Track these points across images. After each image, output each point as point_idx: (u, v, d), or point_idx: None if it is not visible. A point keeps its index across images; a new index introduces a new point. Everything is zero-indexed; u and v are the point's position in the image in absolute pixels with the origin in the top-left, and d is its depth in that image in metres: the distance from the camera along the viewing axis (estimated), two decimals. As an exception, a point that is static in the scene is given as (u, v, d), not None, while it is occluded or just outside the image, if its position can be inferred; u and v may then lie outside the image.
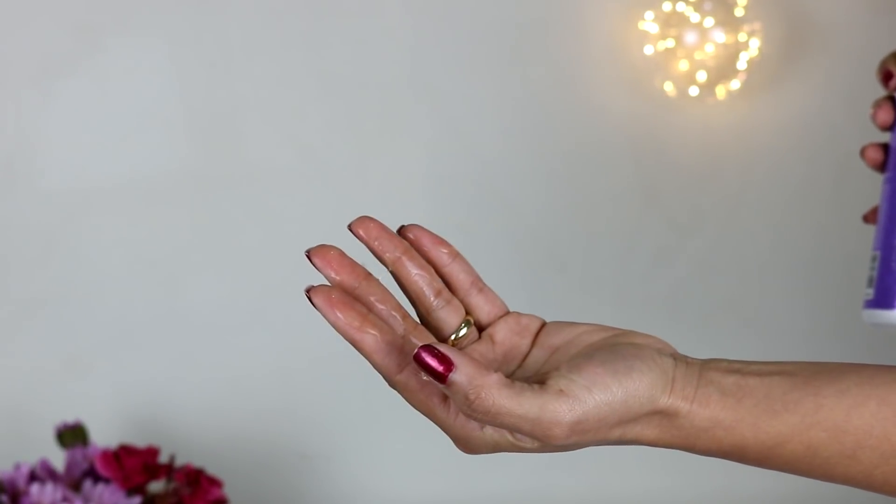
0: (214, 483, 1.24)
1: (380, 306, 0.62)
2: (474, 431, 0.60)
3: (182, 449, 1.38)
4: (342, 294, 0.60)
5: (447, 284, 0.64)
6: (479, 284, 0.65)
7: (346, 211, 1.63)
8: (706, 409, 0.59)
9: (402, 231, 0.63)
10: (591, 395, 0.57)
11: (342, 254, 0.62)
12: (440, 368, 0.56)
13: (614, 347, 0.60)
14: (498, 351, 0.64)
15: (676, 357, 0.61)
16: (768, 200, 1.59)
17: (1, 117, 1.50)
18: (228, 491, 1.31)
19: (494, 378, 0.56)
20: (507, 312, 0.65)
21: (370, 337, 0.59)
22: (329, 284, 0.61)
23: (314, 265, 0.62)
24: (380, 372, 0.61)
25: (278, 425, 1.55)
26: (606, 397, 0.57)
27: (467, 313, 0.64)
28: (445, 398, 0.60)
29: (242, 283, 1.54)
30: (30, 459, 1.23)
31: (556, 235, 1.58)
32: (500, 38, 1.55)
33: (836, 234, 1.57)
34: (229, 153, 1.53)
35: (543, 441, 0.58)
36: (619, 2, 1.54)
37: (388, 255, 0.63)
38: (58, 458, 1.26)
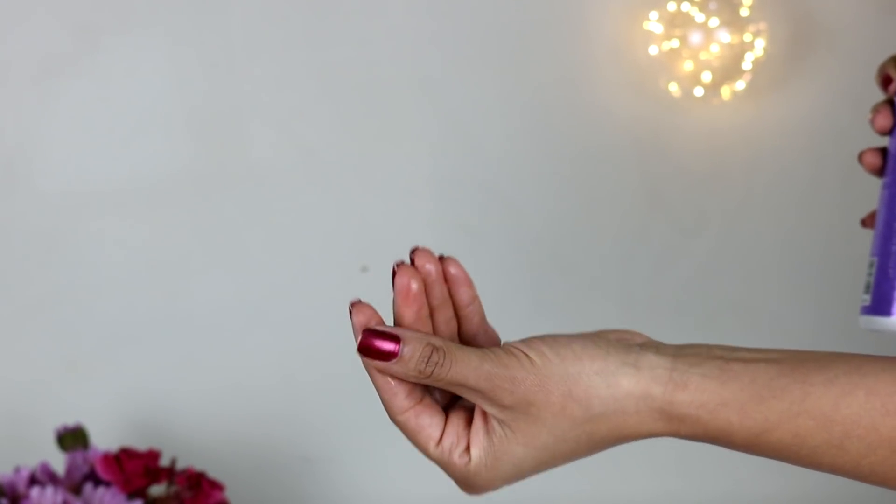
0: (216, 486, 1.24)
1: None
2: (466, 465, 0.61)
3: (183, 452, 1.37)
4: (379, 327, 0.61)
5: (461, 324, 0.65)
6: (486, 326, 0.66)
7: (349, 212, 1.63)
8: (685, 393, 0.58)
9: (443, 263, 0.64)
10: (558, 356, 0.58)
11: (420, 285, 0.62)
12: (388, 348, 0.59)
13: (581, 333, 0.61)
14: None
15: (645, 344, 0.61)
16: (774, 202, 1.58)
17: (0, 118, 1.49)
18: (230, 494, 1.30)
19: (446, 339, 0.59)
20: (502, 345, 0.65)
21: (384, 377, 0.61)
22: (373, 309, 0.62)
23: (395, 285, 0.62)
24: (385, 407, 0.62)
25: (280, 428, 1.54)
26: (576, 366, 0.58)
27: None
28: (439, 440, 0.61)
29: (244, 285, 1.53)
30: (30, 463, 1.23)
31: (561, 237, 1.57)
32: (504, 38, 1.54)
33: (842, 235, 1.57)
34: (231, 154, 1.53)
35: (495, 401, 0.58)
36: (624, 2, 1.54)
37: (433, 299, 0.64)
38: (58, 462, 1.25)
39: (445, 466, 0.62)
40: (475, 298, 0.64)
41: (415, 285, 0.61)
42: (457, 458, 0.61)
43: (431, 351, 0.59)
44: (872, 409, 0.58)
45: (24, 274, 1.51)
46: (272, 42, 1.52)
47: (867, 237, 1.60)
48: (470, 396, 0.60)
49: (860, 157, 0.73)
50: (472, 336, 0.65)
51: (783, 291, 1.59)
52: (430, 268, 0.62)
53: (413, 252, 0.62)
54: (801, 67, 1.56)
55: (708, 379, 0.59)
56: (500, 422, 0.60)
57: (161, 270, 1.52)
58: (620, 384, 0.59)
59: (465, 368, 0.59)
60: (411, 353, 0.59)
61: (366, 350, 0.59)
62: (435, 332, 0.63)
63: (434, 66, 1.54)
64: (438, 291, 0.63)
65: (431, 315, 0.63)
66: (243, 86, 1.53)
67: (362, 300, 0.62)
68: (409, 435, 0.62)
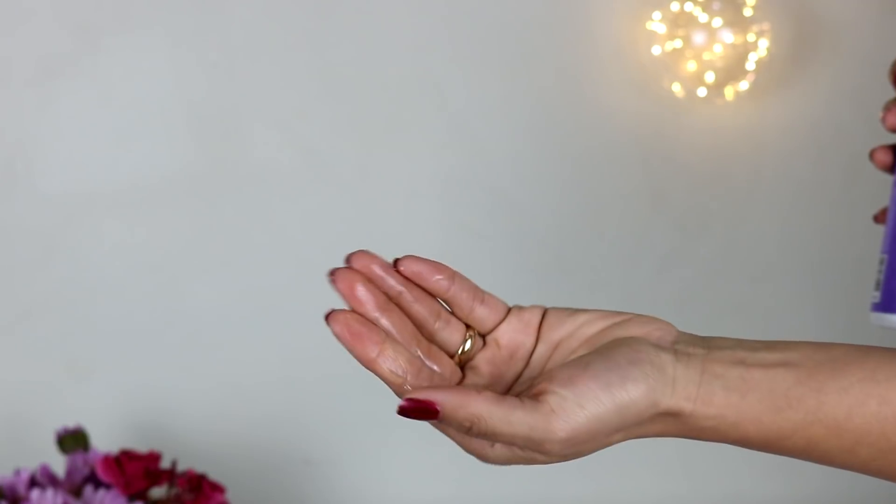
0: (217, 489, 1.23)
1: (397, 335, 0.63)
2: (485, 449, 0.61)
3: (184, 454, 1.37)
4: (360, 322, 0.61)
5: (451, 306, 0.65)
6: (480, 296, 0.66)
7: (352, 214, 1.63)
8: (710, 408, 0.60)
9: (396, 267, 0.64)
10: (582, 411, 0.58)
11: (365, 284, 0.62)
12: (429, 412, 0.58)
13: (610, 353, 0.60)
14: (504, 353, 0.66)
15: (677, 351, 0.61)
16: (777, 202, 1.58)
17: (0, 118, 1.49)
18: (231, 497, 1.30)
19: (482, 400, 0.58)
20: (509, 311, 0.66)
21: (385, 365, 0.61)
22: (347, 309, 0.62)
23: (338, 291, 0.62)
24: (396, 394, 0.62)
25: (281, 430, 1.54)
26: (598, 411, 0.58)
27: (469, 327, 0.66)
28: None
29: (246, 287, 1.53)
30: (30, 465, 1.23)
31: (564, 238, 1.57)
32: (507, 38, 1.54)
33: (846, 235, 1.56)
34: (232, 155, 1.52)
35: (539, 454, 0.59)
36: (627, 2, 1.53)
37: (388, 291, 0.64)
38: (58, 464, 1.25)
39: (466, 446, 0.63)
40: (453, 279, 0.64)
41: (359, 288, 0.62)
42: (477, 444, 0.62)
43: (470, 425, 0.58)
44: (884, 419, 0.59)
45: (24, 275, 1.50)
46: (274, 42, 1.52)
47: (871, 237, 1.60)
48: None
49: (871, 154, 0.74)
50: (468, 312, 0.65)
51: (786, 292, 1.58)
52: (371, 267, 0.63)
53: (348, 260, 0.63)
54: (804, 68, 1.56)
55: (730, 392, 0.60)
56: (540, 454, 0.61)
57: (161, 272, 1.52)
58: (658, 407, 0.60)
59: (509, 437, 0.59)
60: (449, 420, 0.59)
61: (406, 414, 0.59)
62: (407, 314, 0.63)
63: (437, 67, 1.54)
64: (391, 282, 0.63)
65: (396, 302, 0.63)
66: (244, 86, 1.52)
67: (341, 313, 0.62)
68: None
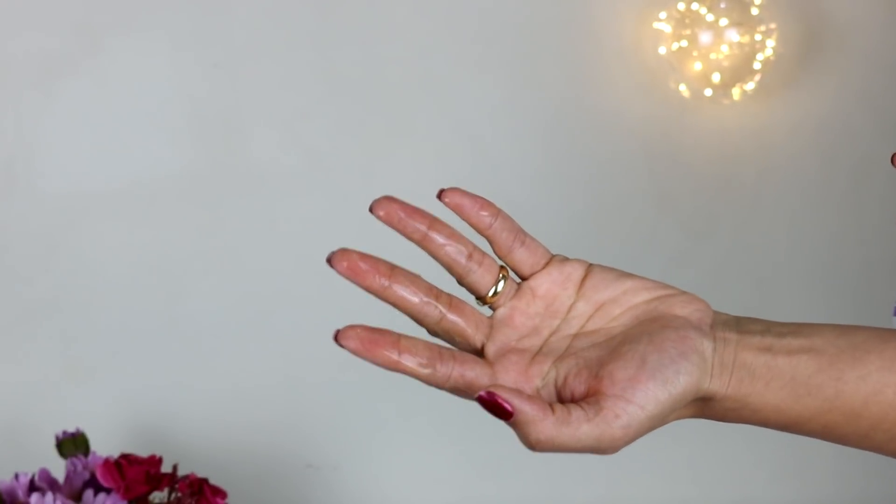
0: (219, 493, 1.22)
1: (412, 298, 0.62)
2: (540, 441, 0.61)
3: (185, 458, 1.36)
4: (370, 333, 0.60)
5: (492, 244, 0.65)
6: (522, 237, 0.65)
7: (354, 215, 1.61)
8: (737, 394, 0.61)
9: (440, 196, 0.65)
10: (643, 412, 0.59)
11: (362, 256, 0.62)
12: (504, 413, 0.57)
13: (660, 340, 0.61)
14: (539, 304, 0.65)
15: (715, 337, 0.62)
16: (784, 203, 1.57)
17: (1, 119, 1.48)
18: (233, 501, 1.29)
19: (551, 423, 0.58)
20: (551, 259, 0.66)
21: (409, 362, 0.60)
22: (352, 325, 0.60)
23: (338, 272, 0.62)
24: (428, 384, 0.61)
25: (283, 435, 1.53)
26: (657, 410, 0.59)
27: (503, 269, 0.65)
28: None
29: (247, 289, 1.52)
30: (29, 469, 1.22)
31: (568, 239, 1.56)
32: (511, 38, 1.53)
33: (853, 236, 1.56)
34: (233, 156, 1.51)
35: (599, 452, 0.60)
36: (632, 1, 1.53)
37: (413, 234, 0.64)
38: (58, 468, 1.24)
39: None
40: (497, 216, 0.65)
41: (359, 263, 0.62)
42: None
43: (536, 444, 0.58)
44: None
45: (24, 277, 1.49)
46: (275, 43, 1.51)
47: (878, 238, 1.58)
48: None
49: (893, 158, 0.74)
50: (507, 252, 0.65)
51: (793, 294, 1.58)
52: (396, 212, 0.64)
53: (371, 208, 0.64)
54: (811, 68, 1.55)
55: (756, 380, 0.61)
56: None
57: (162, 274, 1.51)
58: (697, 393, 0.61)
59: (577, 448, 0.59)
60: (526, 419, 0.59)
61: (483, 404, 0.59)
62: (435, 256, 0.63)
63: (440, 67, 1.53)
64: (415, 224, 0.64)
65: (423, 245, 0.64)
66: (245, 87, 1.51)
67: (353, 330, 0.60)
68: (462, 395, 0.62)
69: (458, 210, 0.65)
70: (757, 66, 1.49)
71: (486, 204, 0.65)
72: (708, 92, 1.51)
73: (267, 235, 1.52)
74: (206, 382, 1.51)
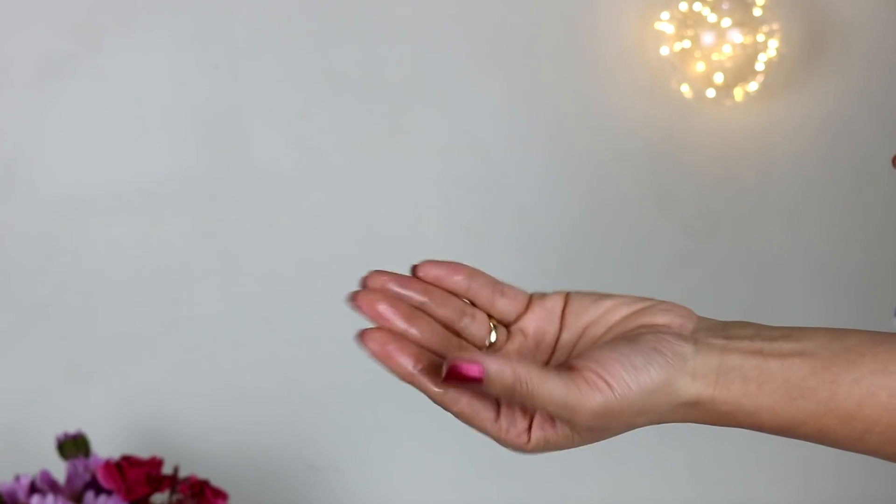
0: (219, 495, 1.22)
1: (429, 341, 0.64)
2: (521, 438, 0.62)
3: (186, 460, 1.36)
4: (393, 338, 0.62)
5: (473, 303, 0.67)
6: (500, 288, 0.67)
7: (356, 217, 1.61)
8: (728, 396, 0.62)
9: (415, 273, 0.65)
10: (612, 392, 0.59)
11: (387, 300, 0.63)
12: (474, 373, 0.58)
13: (636, 340, 0.62)
14: (531, 342, 0.67)
15: (697, 340, 0.63)
16: (786, 204, 1.57)
17: (0, 119, 1.48)
18: (234, 503, 1.29)
19: (522, 363, 0.59)
20: (531, 299, 0.68)
21: (424, 379, 0.62)
22: (378, 327, 0.62)
23: (361, 313, 0.63)
24: (436, 403, 0.63)
25: (284, 436, 1.53)
26: (625, 392, 0.60)
27: (492, 318, 0.67)
28: (496, 416, 0.62)
29: (248, 290, 1.52)
30: (30, 471, 1.22)
31: (570, 240, 1.56)
32: (513, 38, 1.53)
33: (856, 238, 1.56)
34: (234, 157, 1.51)
35: (572, 431, 0.61)
36: (634, 1, 1.53)
37: (412, 302, 0.65)
38: (59, 470, 1.24)
39: (502, 442, 0.63)
40: (472, 277, 0.66)
41: (382, 306, 0.63)
42: (514, 436, 0.63)
43: (513, 384, 0.59)
44: (894, 410, 0.62)
45: (24, 279, 1.49)
46: (276, 43, 1.51)
47: (881, 239, 1.58)
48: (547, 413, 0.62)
49: (894, 160, 0.74)
50: (490, 306, 0.66)
51: (796, 295, 1.58)
52: (388, 286, 0.64)
53: (363, 283, 0.64)
54: (814, 68, 1.55)
55: (747, 382, 0.62)
56: (571, 427, 0.62)
57: (164, 275, 1.51)
58: (679, 395, 0.62)
59: (546, 399, 0.60)
60: (494, 382, 0.60)
61: (450, 380, 0.60)
62: (433, 318, 0.65)
63: (441, 67, 1.53)
64: (411, 294, 0.64)
65: (421, 310, 0.64)
66: (247, 87, 1.51)
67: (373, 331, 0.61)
68: (467, 421, 0.63)
69: (435, 282, 0.65)
70: (759, 66, 1.49)
71: (458, 268, 0.66)
72: (710, 93, 1.50)
73: (268, 236, 1.52)
74: (207, 384, 1.51)
